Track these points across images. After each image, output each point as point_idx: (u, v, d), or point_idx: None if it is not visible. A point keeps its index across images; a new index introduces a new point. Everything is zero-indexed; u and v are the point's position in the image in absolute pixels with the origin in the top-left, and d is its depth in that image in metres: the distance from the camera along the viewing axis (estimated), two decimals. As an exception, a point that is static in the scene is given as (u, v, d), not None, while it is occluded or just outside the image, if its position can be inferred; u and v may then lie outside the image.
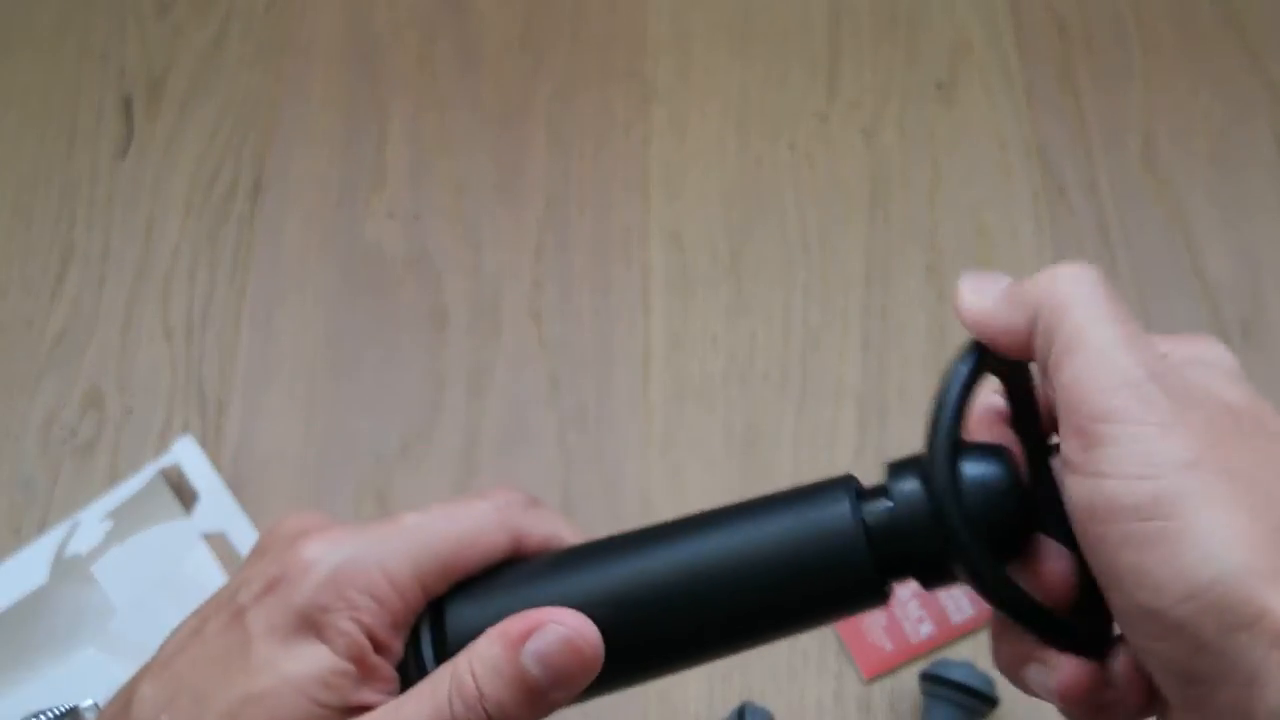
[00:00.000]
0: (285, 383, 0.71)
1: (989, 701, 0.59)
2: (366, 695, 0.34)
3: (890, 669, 0.63)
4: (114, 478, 0.68)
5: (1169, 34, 0.80)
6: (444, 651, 0.35)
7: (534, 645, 0.34)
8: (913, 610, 0.64)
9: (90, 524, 0.63)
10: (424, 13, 0.82)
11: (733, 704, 0.61)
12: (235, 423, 0.69)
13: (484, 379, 0.70)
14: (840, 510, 0.36)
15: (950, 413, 0.36)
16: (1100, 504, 0.31)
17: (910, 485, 0.35)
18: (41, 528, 0.66)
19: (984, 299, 0.40)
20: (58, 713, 0.37)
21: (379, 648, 0.35)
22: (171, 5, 0.82)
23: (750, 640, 0.37)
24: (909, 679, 0.62)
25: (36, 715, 0.37)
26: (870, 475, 0.67)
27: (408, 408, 0.70)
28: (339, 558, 0.35)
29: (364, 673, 0.34)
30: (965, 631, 0.63)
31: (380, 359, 0.71)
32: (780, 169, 0.76)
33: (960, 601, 0.64)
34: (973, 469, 0.35)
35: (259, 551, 0.37)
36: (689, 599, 0.36)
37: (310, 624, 0.34)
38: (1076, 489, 0.32)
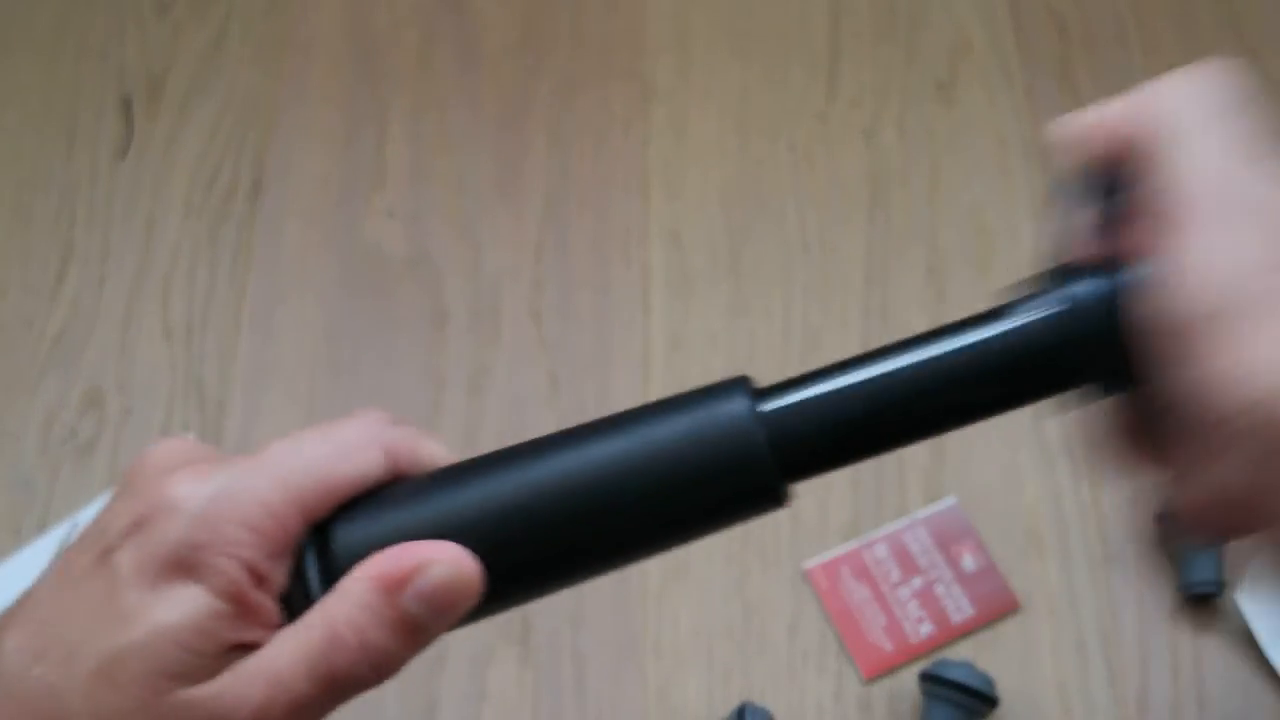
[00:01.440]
0: (285, 383, 0.71)
1: (989, 701, 0.59)
2: (246, 634, 0.33)
3: (890, 669, 0.63)
4: (114, 478, 0.68)
5: (1169, 34, 0.80)
6: (332, 578, 0.34)
7: (415, 586, 0.33)
8: (913, 610, 0.64)
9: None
10: (424, 13, 0.82)
11: (733, 704, 0.61)
12: (235, 423, 0.69)
13: (484, 379, 0.70)
14: (737, 407, 0.34)
15: (1069, 226, 0.36)
16: (1170, 307, 0.31)
17: (1085, 285, 0.35)
18: (41, 528, 0.66)
19: (1087, 117, 0.38)
20: None
21: (259, 581, 0.33)
22: (171, 5, 0.82)
23: (639, 553, 0.36)
24: (909, 679, 0.62)
25: None
26: (869, 475, 0.67)
27: (408, 408, 0.70)
28: (210, 490, 0.33)
29: (242, 611, 0.33)
30: (965, 632, 0.63)
31: (380, 359, 0.71)
32: (780, 169, 0.76)
33: (960, 601, 0.64)
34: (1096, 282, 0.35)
35: (125, 486, 0.35)
36: (576, 512, 0.34)
37: (182, 565, 0.32)
38: (1151, 295, 0.32)
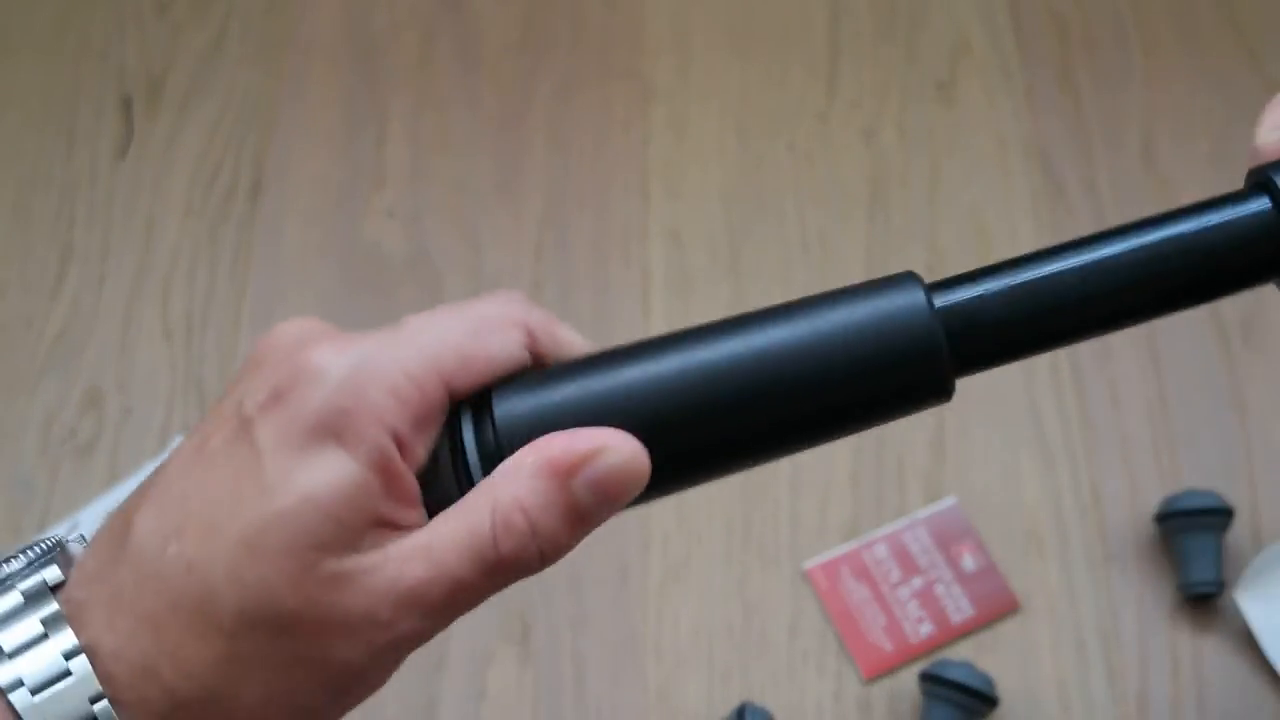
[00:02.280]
0: (285, 383, 0.71)
1: (988, 701, 0.59)
2: (393, 509, 0.31)
3: (890, 669, 0.63)
4: (114, 478, 0.68)
5: (1169, 34, 0.80)
6: (492, 450, 0.33)
7: (588, 472, 0.32)
8: (913, 610, 0.64)
9: (90, 524, 0.63)
10: (424, 13, 0.82)
11: (733, 704, 0.61)
12: (235, 423, 0.69)
13: (484, 379, 0.70)
14: (914, 299, 0.36)
15: None
16: None
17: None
18: (41, 528, 0.66)
19: None
20: (42, 549, 0.32)
21: (404, 453, 0.32)
22: (171, 5, 0.82)
23: (804, 443, 0.36)
24: (909, 679, 0.62)
25: (18, 552, 0.33)
26: (869, 475, 0.67)
27: (407, 408, 0.70)
28: (351, 359, 0.32)
29: (390, 482, 0.31)
30: (965, 632, 0.63)
31: (380, 359, 0.71)
32: (780, 169, 0.76)
33: (960, 601, 0.64)
34: None
35: (256, 361, 0.33)
36: (746, 398, 0.34)
37: (328, 430, 0.31)
38: None
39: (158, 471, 0.33)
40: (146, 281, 0.73)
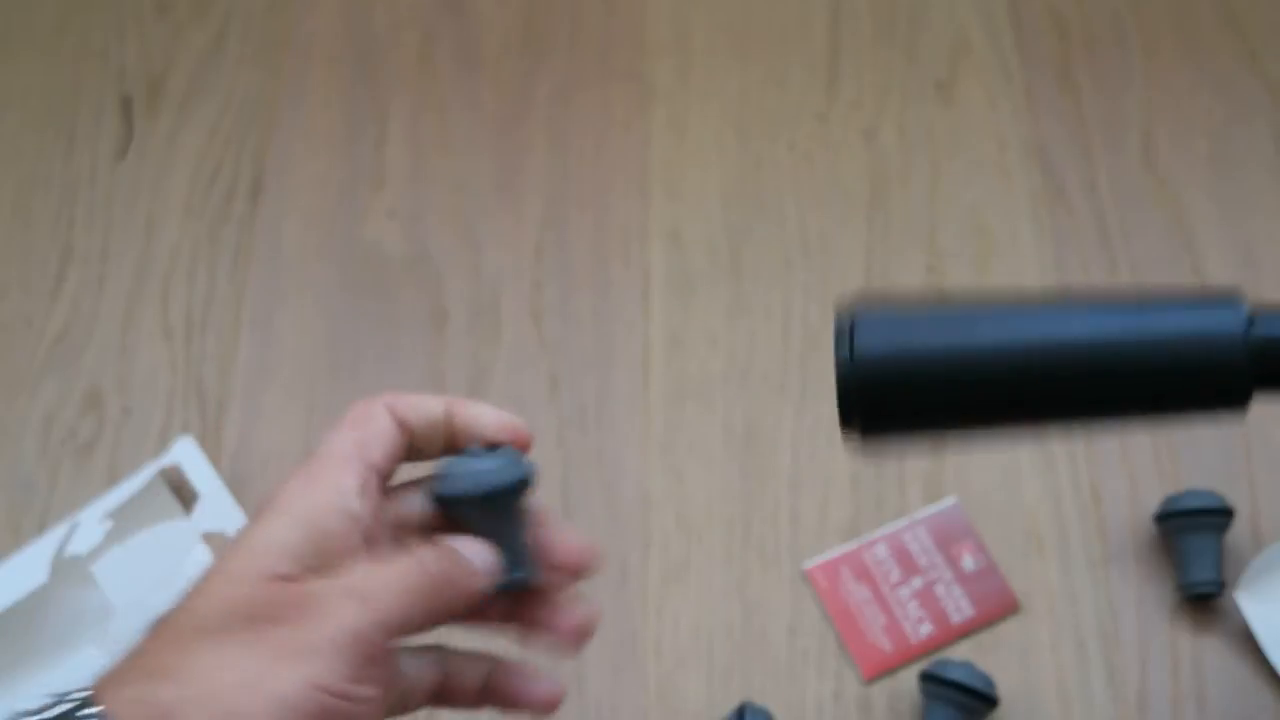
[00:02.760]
0: (285, 383, 0.71)
1: (988, 701, 0.59)
2: None
3: (890, 669, 0.63)
4: (114, 478, 0.68)
5: (1169, 34, 0.80)
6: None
7: None
8: (913, 611, 0.64)
9: (90, 524, 0.63)
10: (424, 13, 0.82)
11: (733, 704, 0.61)
12: (235, 423, 0.69)
13: (484, 379, 0.70)
14: (1231, 321, 0.40)
15: None
16: None
17: None
18: (41, 528, 0.66)
19: None
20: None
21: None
22: (171, 5, 0.82)
23: (1106, 419, 0.41)
24: (908, 679, 0.62)
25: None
26: (869, 475, 0.67)
27: (407, 408, 0.70)
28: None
29: None
30: (965, 632, 0.63)
31: (380, 359, 0.71)
32: (780, 169, 0.76)
33: (960, 601, 0.64)
34: None
35: None
36: (1070, 371, 0.40)
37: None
38: None
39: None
40: (146, 281, 0.73)
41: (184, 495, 0.66)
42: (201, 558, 0.64)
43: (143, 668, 0.37)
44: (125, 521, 0.64)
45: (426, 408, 0.45)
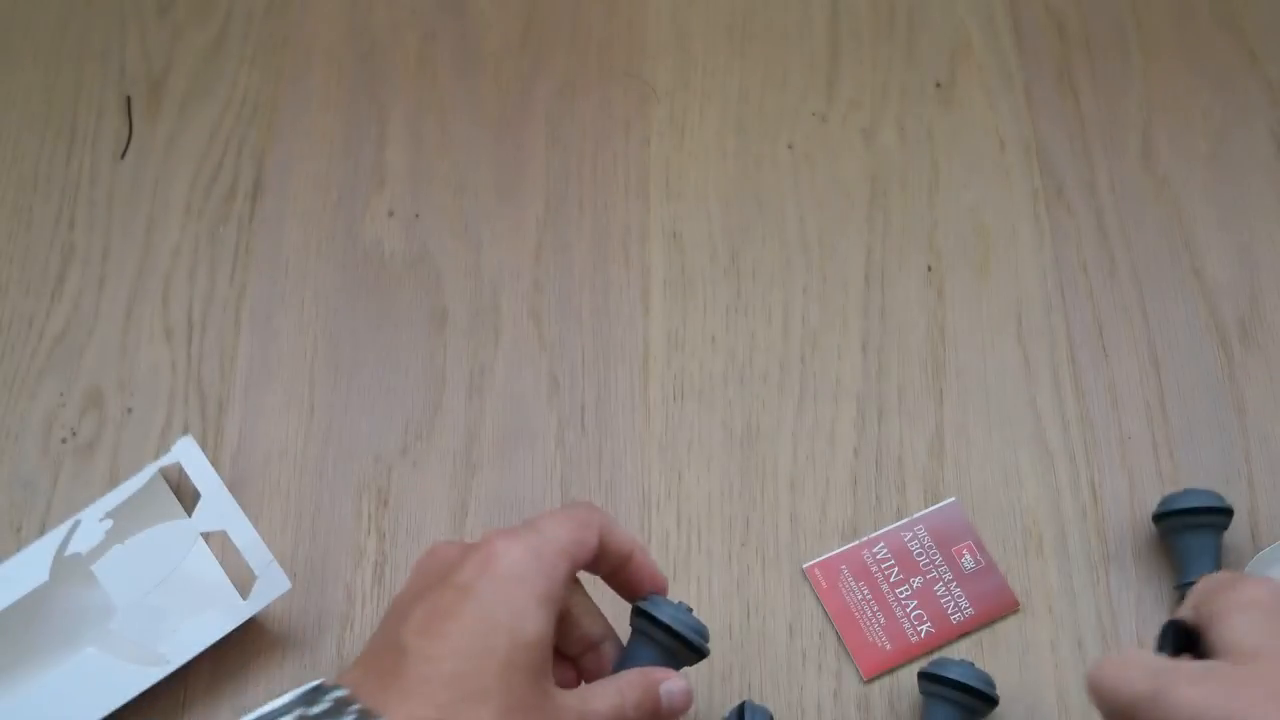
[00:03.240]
0: (285, 383, 0.71)
1: (988, 701, 0.59)
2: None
3: (889, 669, 0.63)
4: (114, 478, 0.68)
5: (1168, 34, 0.80)
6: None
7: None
8: (912, 610, 0.64)
9: (90, 524, 0.63)
10: (424, 13, 0.82)
11: (733, 703, 0.61)
12: (235, 423, 0.69)
13: (484, 379, 0.70)
14: None
15: None
16: None
17: None
18: (42, 527, 0.66)
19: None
20: (330, 702, 0.45)
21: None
22: (171, 5, 0.82)
23: None
24: (908, 678, 0.62)
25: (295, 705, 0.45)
26: (869, 474, 0.67)
27: (408, 408, 0.70)
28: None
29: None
30: (964, 631, 0.63)
31: (380, 359, 0.71)
32: (780, 169, 0.76)
33: (960, 601, 0.64)
34: None
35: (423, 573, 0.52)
36: None
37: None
38: None
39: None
40: (147, 281, 0.74)
41: (184, 495, 0.66)
42: (202, 557, 0.64)
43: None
44: (126, 521, 0.64)
45: (621, 547, 0.54)
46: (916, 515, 0.66)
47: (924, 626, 0.63)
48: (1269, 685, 0.43)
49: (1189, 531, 0.63)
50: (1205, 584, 0.49)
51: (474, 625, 0.47)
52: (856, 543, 0.65)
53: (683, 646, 0.54)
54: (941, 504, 0.66)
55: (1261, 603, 0.47)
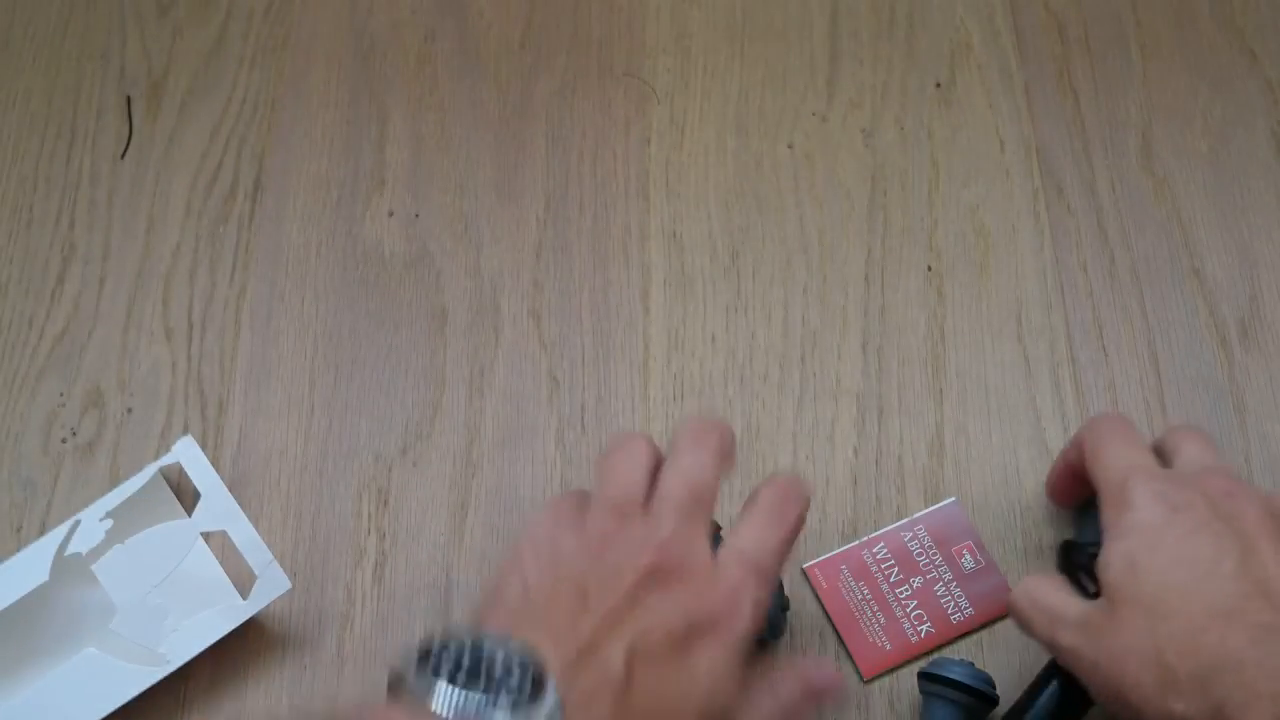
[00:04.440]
0: (285, 383, 0.71)
1: (988, 700, 0.59)
2: None
3: (889, 668, 0.63)
4: (114, 478, 0.68)
5: (1168, 34, 0.80)
6: None
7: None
8: (912, 610, 0.64)
9: (91, 523, 0.63)
10: (424, 13, 0.82)
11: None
12: (235, 423, 0.69)
13: (484, 379, 0.70)
14: None
15: None
16: None
17: None
18: (42, 527, 0.67)
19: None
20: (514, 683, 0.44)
21: None
22: (171, 5, 0.82)
23: None
24: (908, 678, 0.62)
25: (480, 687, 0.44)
26: (869, 474, 0.67)
27: (408, 408, 0.70)
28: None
29: None
30: (965, 631, 0.63)
31: (380, 359, 0.71)
32: (780, 169, 0.76)
33: (960, 601, 0.64)
34: None
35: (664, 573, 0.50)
36: None
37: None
38: None
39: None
40: (147, 281, 0.74)
41: (184, 495, 0.66)
42: (202, 557, 0.64)
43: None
44: (126, 521, 0.64)
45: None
46: (917, 515, 0.66)
47: (924, 626, 0.63)
48: (1126, 637, 0.49)
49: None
50: (1111, 474, 0.54)
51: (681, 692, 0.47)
52: (856, 543, 0.65)
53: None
54: (941, 504, 0.66)
55: (1143, 527, 0.51)
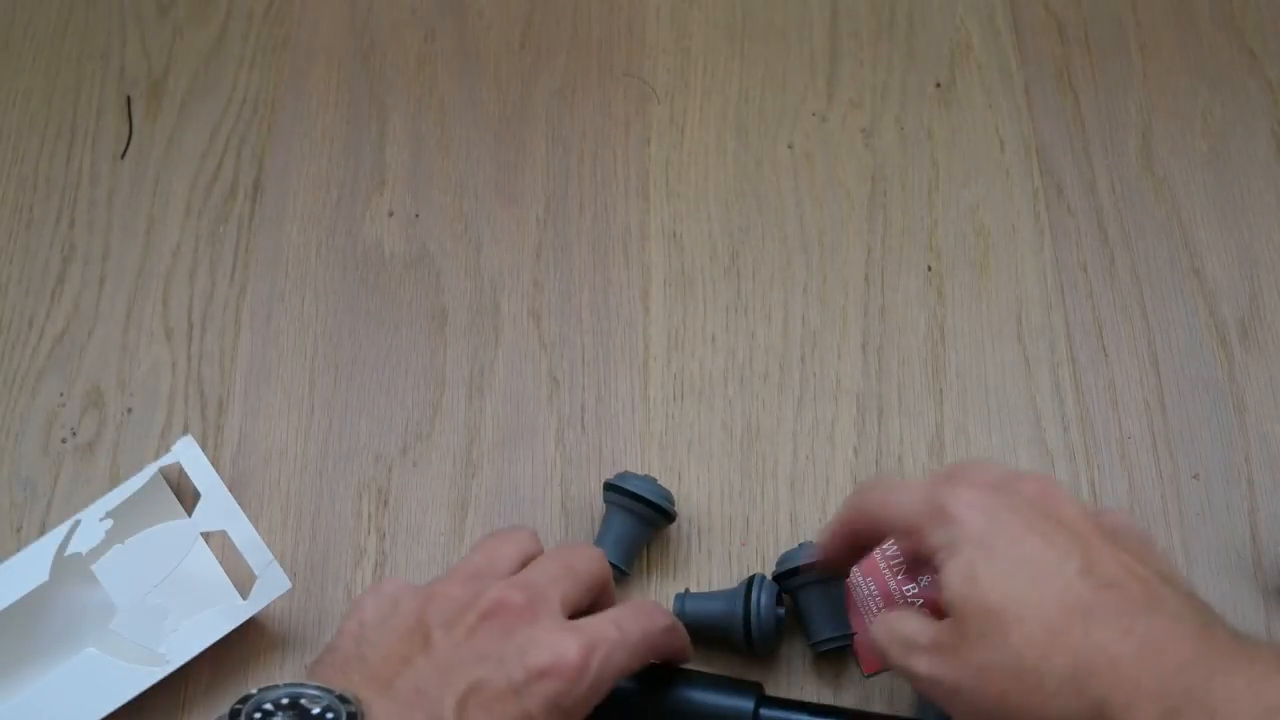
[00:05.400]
0: (285, 382, 0.71)
1: (665, 515, 0.63)
2: None
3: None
4: (114, 478, 0.68)
5: (1168, 34, 0.80)
6: None
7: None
8: (917, 609, 0.63)
9: (91, 523, 0.63)
10: (424, 13, 0.82)
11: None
12: (235, 423, 0.69)
13: (484, 379, 0.70)
14: (744, 704, 0.57)
15: None
16: None
17: None
18: (42, 527, 0.67)
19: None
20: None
21: None
22: (171, 5, 0.82)
23: None
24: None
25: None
26: (869, 474, 0.67)
27: (408, 408, 0.70)
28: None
29: None
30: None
31: (380, 359, 0.71)
32: (780, 169, 0.76)
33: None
34: None
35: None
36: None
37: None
38: None
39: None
40: (147, 281, 0.74)
41: (184, 495, 0.66)
42: (202, 557, 0.64)
43: None
44: (126, 521, 0.64)
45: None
46: None
47: None
48: (983, 652, 0.47)
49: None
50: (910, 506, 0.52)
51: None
52: (798, 546, 0.65)
53: (653, 510, 0.63)
54: None
55: (972, 538, 0.48)
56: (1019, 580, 0.47)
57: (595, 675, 0.48)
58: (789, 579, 0.61)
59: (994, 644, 0.46)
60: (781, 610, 0.61)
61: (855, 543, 0.56)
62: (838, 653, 0.62)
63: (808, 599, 0.61)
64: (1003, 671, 0.46)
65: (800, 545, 0.62)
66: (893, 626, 0.51)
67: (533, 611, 0.49)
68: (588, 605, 0.52)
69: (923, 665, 0.49)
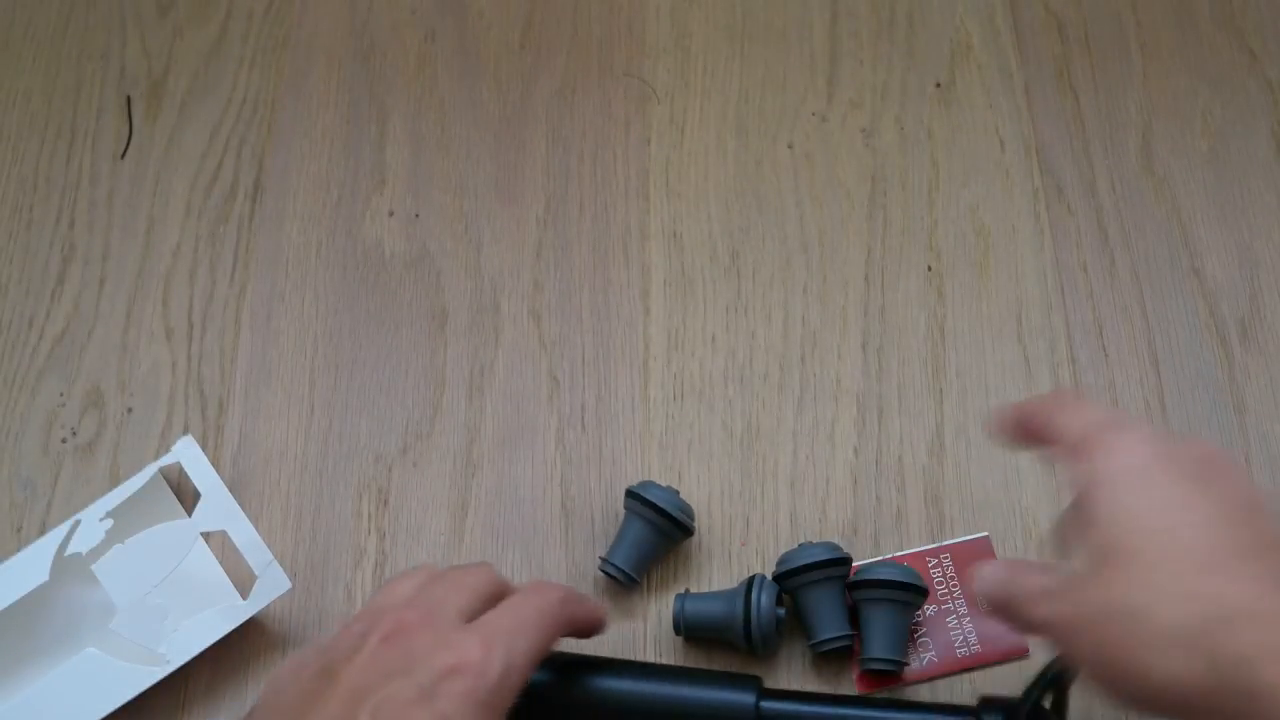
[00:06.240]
0: (285, 382, 0.71)
1: (684, 529, 0.63)
2: None
3: (887, 688, 0.62)
4: (114, 478, 0.68)
5: (1168, 34, 0.80)
6: None
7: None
8: (919, 635, 0.63)
9: (91, 523, 0.63)
10: (424, 13, 0.82)
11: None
12: (235, 423, 0.69)
13: (484, 379, 0.70)
14: (746, 699, 0.57)
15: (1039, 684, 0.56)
16: None
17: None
18: (42, 527, 0.67)
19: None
20: None
21: None
22: (171, 5, 0.82)
23: None
24: (904, 689, 0.62)
25: None
26: (869, 474, 0.67)
27: (408, 408, 0.70)
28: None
29: None
30: (966, 667, 0.62)
31: (380, 359, 0.71)
32: (780, 169, 0.76)
33: (969, 636, 0.62)
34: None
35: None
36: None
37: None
38: None
39: None
40: (147, 281, 0.74)
41: (184, 495, 0.66)
42: (202, 557, 0.64)
43: None
44: (126, 521, 0.64)
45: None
46: (946, 542, 0.65)
47: (927, 655, 0.62)
48: (1113, 592, 0.44)
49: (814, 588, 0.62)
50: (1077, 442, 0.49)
51: None
52: (880, 559, 0.64)
53: (672, 524, 0.63)
54: (973, 536, 0.65)
55: (1130, 471, 0.46)
56: (1164, 523, 0.44)
57: (503, 663, 0.48)
58: (789, 579, 0.61)
59: (1122, 584, 0.44)
60: (781, 610, 0.61)
61: (1025, 431, 0.53)
62: (838, 653, 0.62)
63: (808, 599, 0.61)
64: (1123, 616, 0.43)
65: (800, 545, 0.62)
66: (1015, 572, 0.49)
67: (431, 622, 0.49)
68: (484, 613, 0.52)
69: (1042, 610, 0.46)
